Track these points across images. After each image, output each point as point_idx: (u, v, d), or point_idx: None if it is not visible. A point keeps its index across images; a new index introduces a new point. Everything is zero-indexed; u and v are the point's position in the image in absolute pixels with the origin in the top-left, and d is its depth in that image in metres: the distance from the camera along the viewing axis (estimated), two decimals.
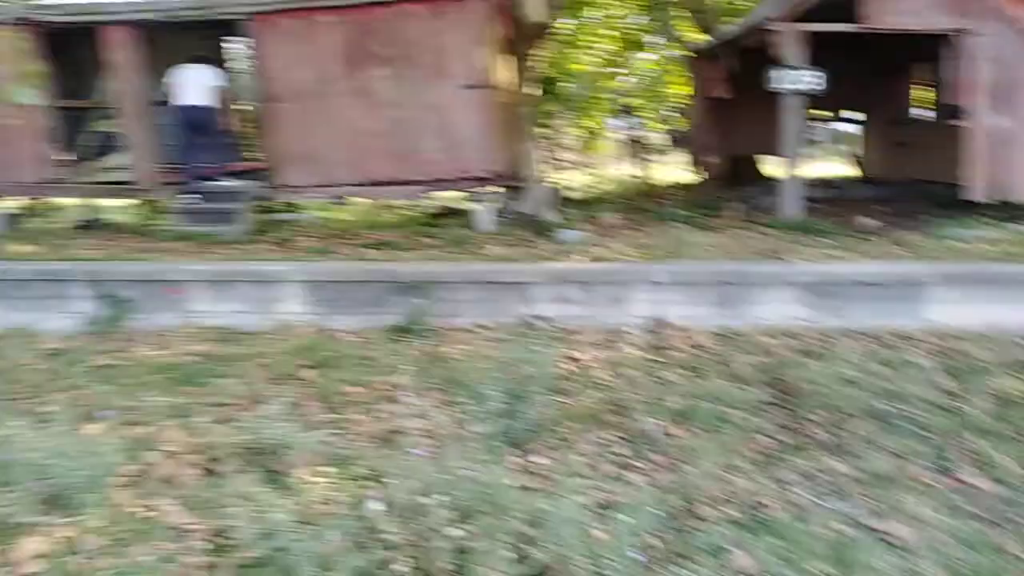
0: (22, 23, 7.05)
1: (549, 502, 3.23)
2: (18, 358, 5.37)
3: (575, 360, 5.15)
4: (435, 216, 9.52)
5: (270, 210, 9.33)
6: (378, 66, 7.58)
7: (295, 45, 7.65)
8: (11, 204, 9.37)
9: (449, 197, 9.58)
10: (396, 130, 7.67)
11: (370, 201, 10.18)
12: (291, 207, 9.93)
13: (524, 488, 3.37)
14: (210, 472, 3.65)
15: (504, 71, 8.20)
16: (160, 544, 3.01)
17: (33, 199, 9.87)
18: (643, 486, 3.60)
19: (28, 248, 7.23)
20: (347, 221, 9.79)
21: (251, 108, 9.42)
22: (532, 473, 3.69)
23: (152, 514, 3.23)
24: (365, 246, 7.20)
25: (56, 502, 3.19)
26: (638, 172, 11.93)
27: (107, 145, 8.94)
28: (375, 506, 3.05)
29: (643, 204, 9.64)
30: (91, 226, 9.32)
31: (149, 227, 9.07)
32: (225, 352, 5.51)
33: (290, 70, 7.71)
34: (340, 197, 8.07)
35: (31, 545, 2.94)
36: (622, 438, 4.11)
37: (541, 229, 7.65)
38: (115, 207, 10.63)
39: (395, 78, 7.59)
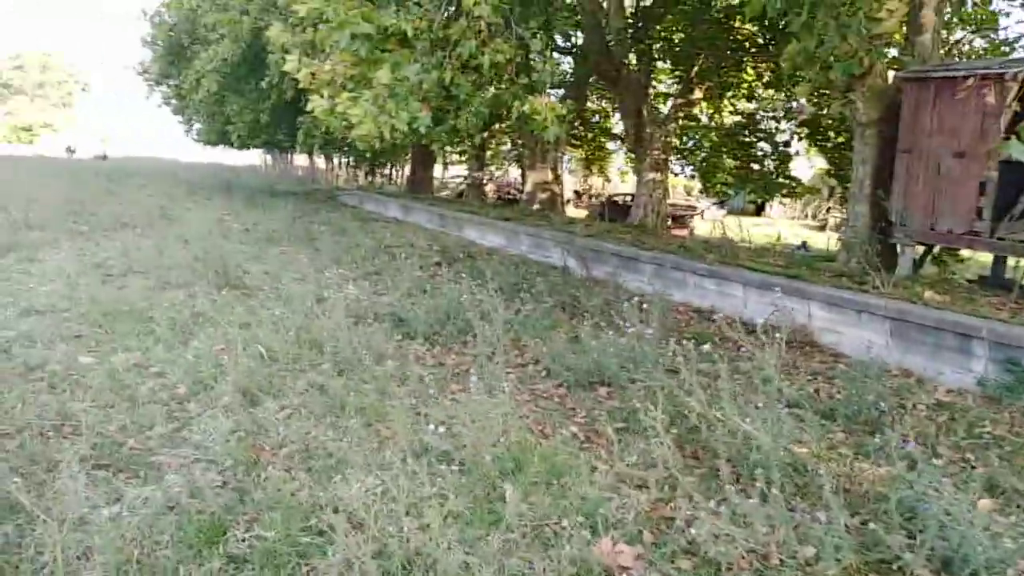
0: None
1: None
2: (908, 399, 5.57)
3: None
4: None
5: None
6: None
7: None
8: (918, 249, 9.81)
9: None
10: None
11: None
12: None
13: None
14: None
15: None
16: None
17: (943, 248, 10.09)
18: None
19: (933, 295, 7.40)
20: None
21: None
22: None
23: None
24: None
25: (950, 566, 3.12)
26: None
27: None
28: None
29: None
30: (991, 283, 9.01)
31: None
32: None
33: None
34: None
35: None
36: None
37: None
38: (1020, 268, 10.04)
39: None
